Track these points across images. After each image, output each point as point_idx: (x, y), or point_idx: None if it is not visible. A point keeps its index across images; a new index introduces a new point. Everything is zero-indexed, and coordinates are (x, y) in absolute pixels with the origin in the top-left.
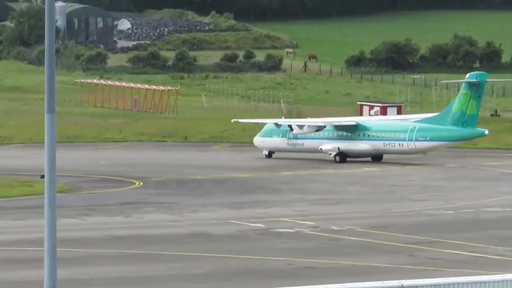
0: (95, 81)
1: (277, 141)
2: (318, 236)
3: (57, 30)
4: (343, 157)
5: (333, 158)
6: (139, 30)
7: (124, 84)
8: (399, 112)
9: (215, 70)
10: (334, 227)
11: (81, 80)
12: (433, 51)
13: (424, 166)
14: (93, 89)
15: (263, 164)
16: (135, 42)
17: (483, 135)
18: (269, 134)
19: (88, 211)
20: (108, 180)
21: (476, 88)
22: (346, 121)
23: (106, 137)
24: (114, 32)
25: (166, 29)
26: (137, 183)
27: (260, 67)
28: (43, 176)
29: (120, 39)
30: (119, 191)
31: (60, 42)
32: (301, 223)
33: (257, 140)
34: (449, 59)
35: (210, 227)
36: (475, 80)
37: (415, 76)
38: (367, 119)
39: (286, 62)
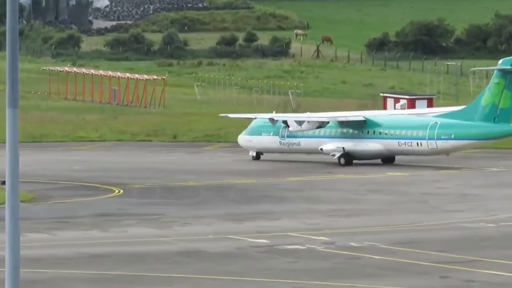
0: (66, 68)
1: (268, 140)
2: (334, 254)
3: (21, 8)
4: (348, 159)
5: (336, 160)
6: (119, 8)
7: (101, 72)
8: (430, 105)
9: (210, 55)
10: (352, 244)
11: (50, 68)
12: (470, 33)
13: (460, 171)
14: (64, 78)
15: (267, 168)
16: (114, 23)
17: None
18: (258, 131)
19: (58, 224)
20: (82, 187)
21: (511, 77)
22: (352, 116)
23: (80, 136)
24: (89, 10)
25: (151, 7)
26: (117, 191)
27: (263, 52)
28: (3, 183)
29: (96, 18)
30: (95, 200)
31: (24, 22)
32: (313, 239)
33: (243, 139)
34: (490, 42)
35: (204, 244)
36: (509, 67)
37: (449, 63)
38: (377, 114)
39: (295, 46)
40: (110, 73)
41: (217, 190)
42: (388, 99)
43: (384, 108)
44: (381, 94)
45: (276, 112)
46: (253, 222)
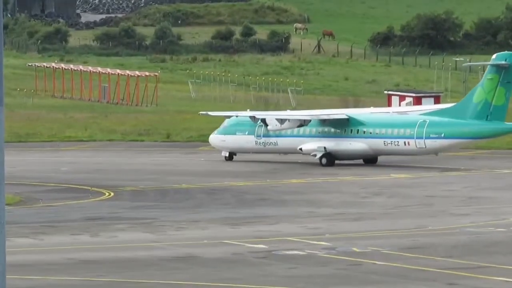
0: (53, 64)
1: (242, 140)
2: (335, 260)
3: (5, 1)
4: (331, 159)
5: (318, 161)
6: (108, 1)
7: (90, 68)
8: (437, 103)
9: (205, 51)
10: (354, 249)
11: (36, 64)
12: (480, 27)
13: (468, 172)
14: (51, 74)
15: (265, 169)
16: (103, 16)
17: None
18: (232, 130)
19: (46, 228)
20: (70, 189)
21: (505, 72)
22: (334, 114)
23: (68, 135)
24: (77, 3)
25: (142, 0)
26: (107, 194)
27: (261, 48)
28: None
29: (84, 11)
30: (84, 203)
31: (9, 15)
32: (313, 244)
33: (215, 138)
34: (500, 36)
35: (199, 249)
36: (503, 62)
37: (458, 59)
38: (361, 112)
39: (294, 41)
40: (99, 69)
41: (212, 192)
42: (393, 97)
43: (389, 105)
44: (386, 92)
45: (250, 110)
46: (250, 226)
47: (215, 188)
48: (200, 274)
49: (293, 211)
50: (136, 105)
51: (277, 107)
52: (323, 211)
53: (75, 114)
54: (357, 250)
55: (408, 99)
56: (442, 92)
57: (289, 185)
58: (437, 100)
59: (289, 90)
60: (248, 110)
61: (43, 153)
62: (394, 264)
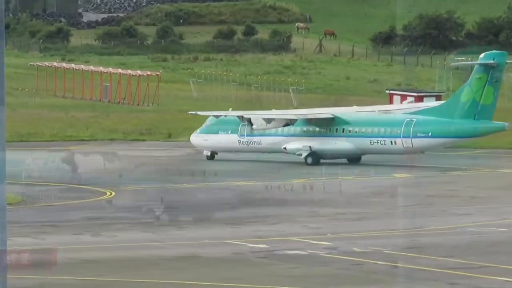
0: (55, 64)
1: (225, 139)
2: (336, 260)
3: (7, 0)
4: (316, 158)
5: (303, 160)
6: (110, 0)
7: (91, 68)
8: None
9: (207, 50)
10: (356, 249)
11: (38, 63)
12: (482, 26)
13: (470, 172)
14: (53, 74)
15: (267, 169)
16: (105, 15)
17: (501, 129)
18: (214, 130)
19: (47, 228)
20: (72, 189)
21: (493, 71)
22: (320, 113)
23: (69, 135)
24: (79, 2)
25: None
26: (109, 193)
27: (263, 47)
28: None
29: (86, 10)
30: (85, 203)
31: (10, 15)
32: (314, 244)
33: (197, 138)
34: (502, 36)
35: (200, 249)
36: (492, 61)
37: (459, 58)
38: (346, 111)
39: (296, 40)
40: (101, 68)
41: (213, 192)
42: (395, 96)
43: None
44: (387, 91)
45: (232, 109)
46: (252, 226)
47: (216, 188)
48: (202, 274)
49: (294, 211)
50: (138, 104)
51: (275, 107)
52: (324, 211)
53: (76, 113)
54: (359, 250)
55: (410, 98)
56: (444, 92)
57: (290, 185)
58: (438, 99)
59: (290, 90)
60: (230, 109)
61: (44, 152)
62: (396, 264)
